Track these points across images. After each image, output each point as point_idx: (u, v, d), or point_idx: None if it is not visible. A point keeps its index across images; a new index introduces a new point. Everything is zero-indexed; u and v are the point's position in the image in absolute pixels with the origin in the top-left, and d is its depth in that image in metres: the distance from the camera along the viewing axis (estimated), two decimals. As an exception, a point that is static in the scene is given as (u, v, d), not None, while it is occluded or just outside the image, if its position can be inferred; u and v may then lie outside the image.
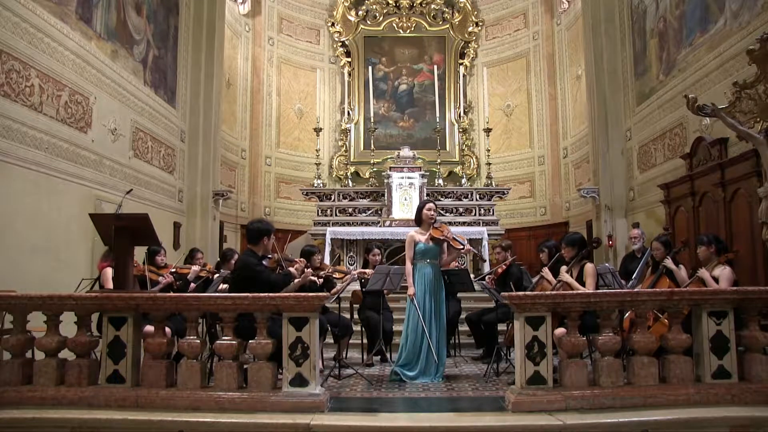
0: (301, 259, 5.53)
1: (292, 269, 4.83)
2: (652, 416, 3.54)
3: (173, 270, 5.94)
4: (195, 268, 6.21)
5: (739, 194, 6.43)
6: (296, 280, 4.77)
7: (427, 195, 10.42)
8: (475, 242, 9.92)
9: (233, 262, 6.45)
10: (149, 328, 4.36)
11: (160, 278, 5.66)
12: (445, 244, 5.36)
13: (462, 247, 5.33)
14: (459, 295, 6.78)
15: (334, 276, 6.12)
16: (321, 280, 5.92)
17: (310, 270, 5.30)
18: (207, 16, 10.42)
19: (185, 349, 3.92)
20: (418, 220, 5.46)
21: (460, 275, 6.49)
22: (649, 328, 4.21)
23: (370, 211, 10.54)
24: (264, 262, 4.65)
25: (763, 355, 3.89)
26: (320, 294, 4.02)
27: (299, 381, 3.74)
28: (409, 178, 10.30)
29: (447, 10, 13.60)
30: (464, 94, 13.66)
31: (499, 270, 6.45)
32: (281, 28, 13.45)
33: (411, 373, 5.04)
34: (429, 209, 5.38)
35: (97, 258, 5.86)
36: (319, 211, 10.64)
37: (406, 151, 10.89)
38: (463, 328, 6.84)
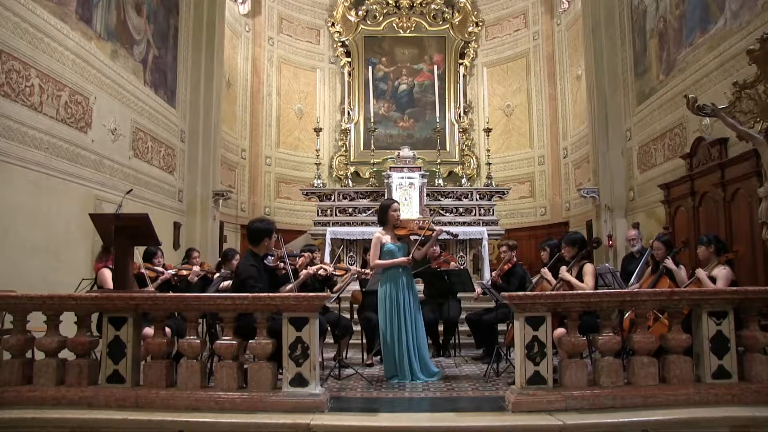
0: (306, 254, 5.52)
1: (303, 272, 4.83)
2: (652, 416, 3.54)
3: (173, 272, 5.94)
4: (196, 269, 6.21)
5: (739, 194, 6.43)
6: (299, 278, 4.79)
7: (427, 195, 10.42)
8: (475, 242, 9.95)
9: (234, 261, 6.47)
10: (148, 330, 4.36)
11: (158, 275, 5.68)
12: (412, 238, 5.28)
13: (432, 231, 5.22)
14: (459, 295, 6.80)
15: (335, 273, 6.12)
16: (324, 273, 5.89)
17: (310, 268, 5.31)
18: (207, 16, 10.42)
19: (185, 349, 3.92)
20: (383, 221, 5.34)
21: (460, 275, 6.50)
22: (649, 328, 4.22)
23: (370, 211, 10.52)
24: (267, 261, 4.64)
25: (763, 355, 3.90)
26: (320, 294, 4.02)
27: (299, 381, 3.74)
28: (409, 178, 10.29)
29: (447, 10, 13.60)
30: (464, 94, 13.66)
31: (504, 267, 6.47)
32: (281, 28, 13.45)
33: (403, 381, 4.99)
34: (395, 210, 5.30)
35: (97, 258, 5.86)
36: (319, 211, 10.64)
37: (406, 151, 10.88)
38: (463, 328, 6.85)
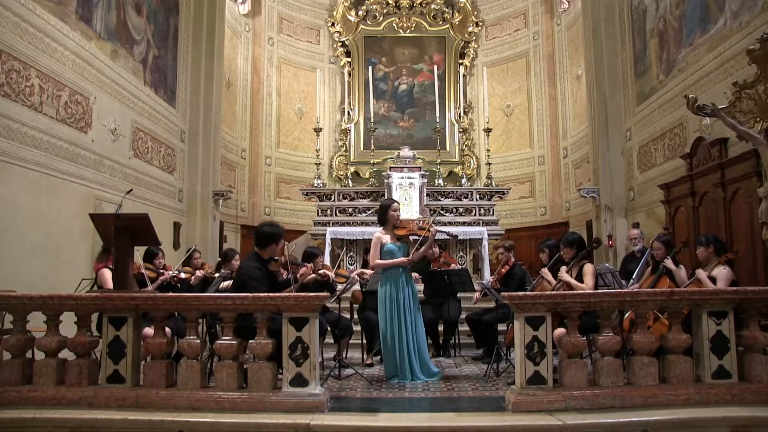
0: (309, 264, 5.50)
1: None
2: (652, 416, 3.54)
3: (174, 273, 5.94)
4: (199, 273, 6.20)
5: (739, 194, 6.43)
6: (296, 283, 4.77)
7: (427, 195, 10.42)
8: (476, 242, 9.95)
9: (234, 262, 6.47)
10: (148, 330, 4.36)
11: (158, 275, 5.68)
12: (411, 238, 5.29)
13: (429, 232, 5.25)
14: (459, 295, 6.80)
15: (336, 281, 6.12)
16: (325, 275, 5.89)
17: (312, 275, 5.28)
18: (207, 16, 10.42)
19: (185, 349, 3.92)
20: (383, 220, 5.35)
21: (460, 275, 6.50)
22: (649, 328, 4.22)
23: (370, 211, 10.52)
24: (269, 265, 4.63)
25: (763, 355, 3.90)
26: (320, 294, 4.02)
27: (299, 381, 3.74)
28: (409, 178, 10.30)
29: (447, 10, 13.59)
30: (464, 94, 13.66)
31: (503, 270, 6.46)
32: (281, 28, 13.45)
33: (404, 381, 5.00)
34: (395, 210, 5.30)
35: (98, 258, 5.85)
36: (319, 211, 10.64)
37: (406, 151, 10.89)
38: (463, 328, 6.85)
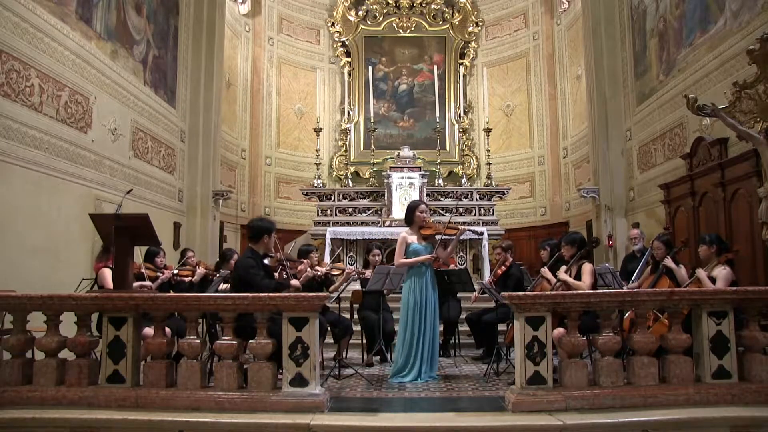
0: (306, 260, 5.52)
1: (294, 282, 4.80)
2: (652, 416, 3.55)
3: (174, 272, 5.94)
4: (200, 270, 6.21)
5: (739, 194, 6.44)
6: (294, 282, 4.77)
7: (427, 195, 10.41)
8: (476, 242, 9.94)
9: (233, 262, 6.47)
10: (148, 330, 4.36)
11: (158, 275, 5.68)
12: (438, 237, 5.31)
13: (456, 230, 5.33)
14: (459, 295, 6.79)
15: (332, 273, 6.13)
16: (321, 276, 5.90)
17: (309, 271, 5.29)
18: (207, 16, 10.42)
19: (185, 349, 3.92)
20: (410, 221, 5.39)
21: (460, 275, 6.49)
22: (649, 328, 4.22)
23: (370, 211, 10.53)
24: (265, 261, 4.64)
25: (763, 355, 3.90)
26: (320, 294, 4.02)
27: (299, 381, 3.74)
28: (409, 178, 10.30)
29: (447, 10, 13.60)
30: (464, 94, 13.66)
31: (499, 271, 6.46)
32: (281, 28, 13.45)
33: (407, 378, 5.02)
34: (422, 210, 5.33)
35: (98, 258, 5.85)
36: (319, 211, 10.64)
37: (406, 151, 10.88)
38: (463, 328, 6.84)
